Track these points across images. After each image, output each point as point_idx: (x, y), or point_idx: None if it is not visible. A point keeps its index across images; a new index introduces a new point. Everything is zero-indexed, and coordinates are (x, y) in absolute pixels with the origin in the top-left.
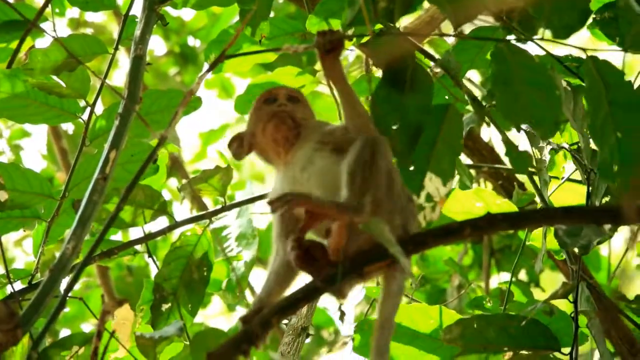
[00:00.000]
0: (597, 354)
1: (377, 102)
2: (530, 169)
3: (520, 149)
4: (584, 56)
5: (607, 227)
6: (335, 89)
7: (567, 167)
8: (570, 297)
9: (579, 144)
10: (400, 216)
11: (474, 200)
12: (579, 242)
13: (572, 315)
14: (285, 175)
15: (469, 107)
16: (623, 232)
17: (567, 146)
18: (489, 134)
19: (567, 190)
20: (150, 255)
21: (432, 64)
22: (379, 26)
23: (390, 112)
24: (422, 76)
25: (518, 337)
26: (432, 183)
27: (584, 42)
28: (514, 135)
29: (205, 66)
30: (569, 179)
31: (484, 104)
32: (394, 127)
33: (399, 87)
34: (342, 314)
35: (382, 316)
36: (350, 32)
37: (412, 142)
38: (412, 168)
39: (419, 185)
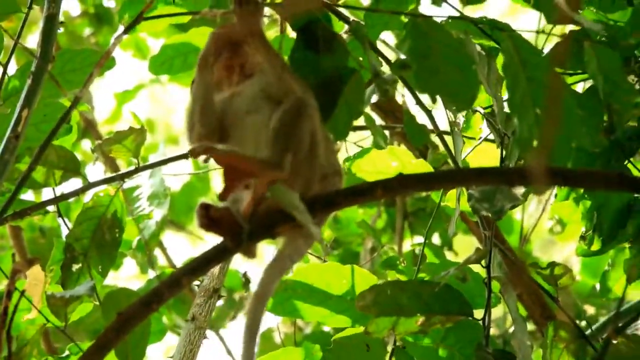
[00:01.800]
0: (510, 318)
1: (294, 63)
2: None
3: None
4: (498, 18)
5: (520, 192)
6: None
7: (483, 127)
8: (483, 262)
9: (493, 107)
10: (320, 185)
11: (388, 159)
12: (492, 208)
13: (485, 280)
14: (229, 105)
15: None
16: (536, 197)
17: (481, 110)
18: (402, 95)
19: (482, 152)
20: (60, 216)
21: (345, 26)
22: None
23: (306, 73)
24: (333, 40)
25: (431, 303)
26: None
27: (503, 6)
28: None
29: (121, 28)
30: (484, 140)
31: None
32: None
33: (313, 49)
34: (247, 281)
35: (263, 280)
36: None
37: (331, 102)
38: None
39: None
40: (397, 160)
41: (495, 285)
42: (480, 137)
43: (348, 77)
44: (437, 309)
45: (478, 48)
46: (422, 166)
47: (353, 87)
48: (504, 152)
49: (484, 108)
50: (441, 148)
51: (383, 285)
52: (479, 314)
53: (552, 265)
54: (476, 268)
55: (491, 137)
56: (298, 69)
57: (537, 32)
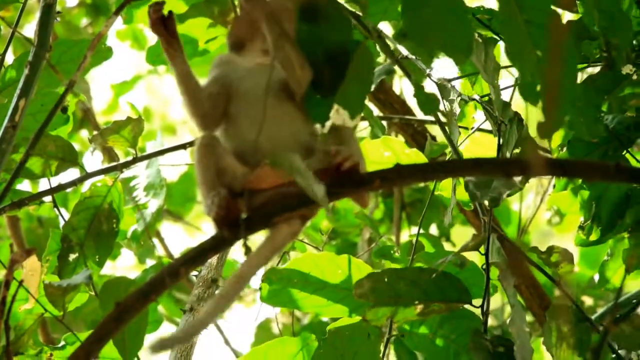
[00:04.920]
0: (508, 308)
1: (301, 36)
2: (440, 119)
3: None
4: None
5: (518, 179)
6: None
7: (477, 117)
8: (481, 249)
9: (490, 96)
10: None
11: (382, 149)
12: (489, 195)
13: (484, 267)
14: (250, 75)
15: (380, 60)
16: (534, 187)
17: (478, 98)
18: (400, 86)
19: (477, 142)
20: (55, 206)
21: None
22: None
23: (312, 47)
24: (336, 12)
25: (429, 290)
26: (339, 115)
27: None
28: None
29: (118, 19)
30: (479, 129)
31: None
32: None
33: (317, 22)
34: (248, 250)
35: (246, 265)
36: None
37: (339, 76)
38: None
39: (325, 115)
40: (390, 150)
41: (494, 272)
42: (474, 127)
43: (354, 50)
44: (436, 296)
45: (475, 35)
46: (415, 156)
47: (361, 58)
48: (501, 140)
49: (481, 97)
50: (439, 139)
51: (380, 273)
52: (476, 303)
53: (551, 249)
54: (473, 257)
55: (485, 126)
56: (304, 43)
57: None
